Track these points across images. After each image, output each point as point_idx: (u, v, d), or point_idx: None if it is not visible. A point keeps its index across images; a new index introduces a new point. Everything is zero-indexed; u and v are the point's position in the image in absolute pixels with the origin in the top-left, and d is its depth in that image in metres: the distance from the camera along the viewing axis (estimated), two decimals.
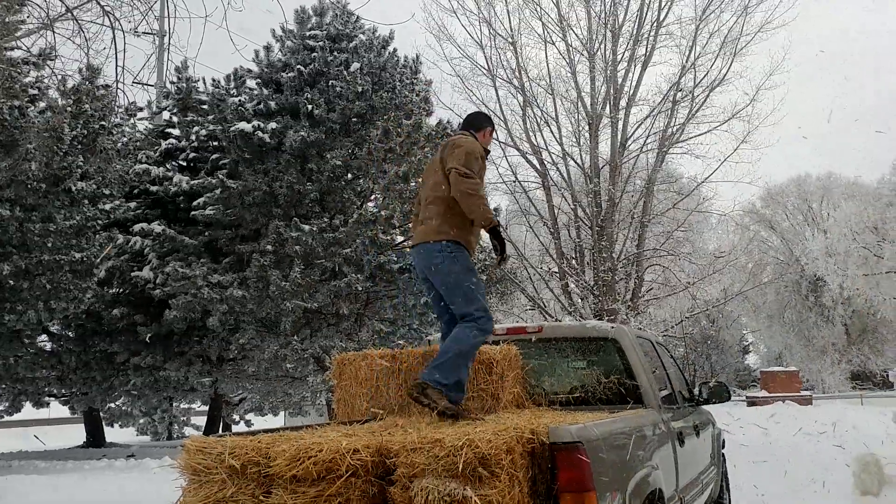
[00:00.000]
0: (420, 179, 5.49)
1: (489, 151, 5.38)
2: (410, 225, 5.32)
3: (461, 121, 5.69)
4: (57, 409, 21.97)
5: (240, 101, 15.24)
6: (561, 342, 5.63)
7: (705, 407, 7.05)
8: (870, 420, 18.55)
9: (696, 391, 6.78)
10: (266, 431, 4.17)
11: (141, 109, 17.03)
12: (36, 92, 13.93)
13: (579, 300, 22.81)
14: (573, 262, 23.38)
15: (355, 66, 15.09)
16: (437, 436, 3.33)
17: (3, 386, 15.95)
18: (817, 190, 47.19)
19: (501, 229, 5.04)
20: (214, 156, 16.06)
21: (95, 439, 19.51)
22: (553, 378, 5.56)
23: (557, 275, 23.43)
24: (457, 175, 4.77)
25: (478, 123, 5.44)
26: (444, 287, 4.99)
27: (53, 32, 8.65)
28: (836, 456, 10.57)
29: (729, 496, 8.03)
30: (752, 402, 27.58)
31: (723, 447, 7.86)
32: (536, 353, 5.63)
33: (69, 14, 8.04)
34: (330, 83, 14.86)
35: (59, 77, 13.37)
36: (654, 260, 24.13)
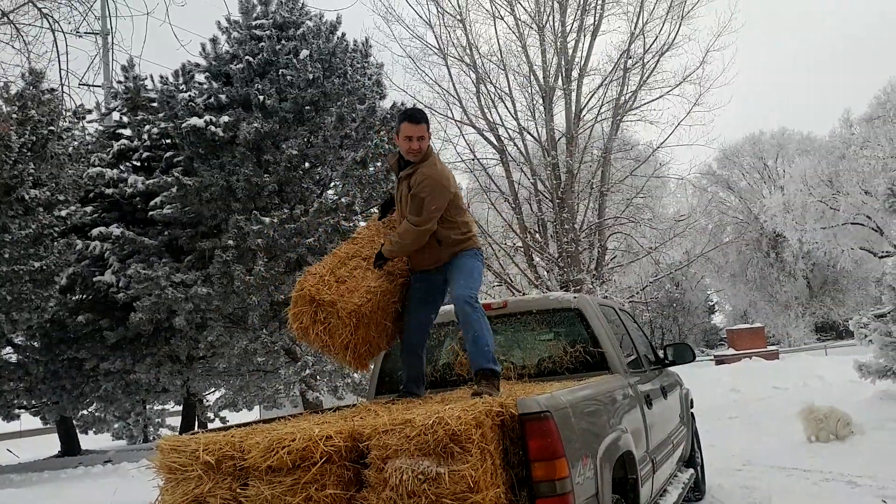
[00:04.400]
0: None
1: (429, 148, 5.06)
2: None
3: (414, 103, 5.62)
4: (28, 421, 21.67)
5: (190, 96, 15.05)
6: (526, 316, 5.70)
7: (672, 368, 7.19)
8: (834, 370, 19.02)
9: (661, 354, 6.91)
10: (239, 426, 4.19)
11: (90, 111, 16.75)
12: None
13: (545, 273, 22.99)
14: (536, 235, 23.53)
15: (304, 53, 14.95)
16: (408, 416, 3.38)
17: None
18: (772, 147, 47.86)
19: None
20: (168, 154, 15.86)
21: (70, 448, 19.28)
22: (521, 351, 5.64)
23: (522, 249, 23.57)
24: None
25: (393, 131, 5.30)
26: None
27: None
28: (802, 407, 10.83)
29: (700, 454, 8.20)
30: (720, 361, 28.14)
31: (691, 407, 8.02)
32: (503, 328, 5.70)
33: (5, 18, 7.88)
34: (280, 72, 14.72)
35: (1, 83, 13.10)
36: (615, 228, 24.37)
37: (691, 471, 7.28)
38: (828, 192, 36.70)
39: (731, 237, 44.33)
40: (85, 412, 18.50)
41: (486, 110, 23.14)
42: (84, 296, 15.38)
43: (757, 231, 44.72)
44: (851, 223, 36.59)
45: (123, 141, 16.90)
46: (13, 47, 8.43)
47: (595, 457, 3.94)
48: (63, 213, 13.97)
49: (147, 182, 15.33)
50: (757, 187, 47.54)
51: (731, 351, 29.39)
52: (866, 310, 15.52)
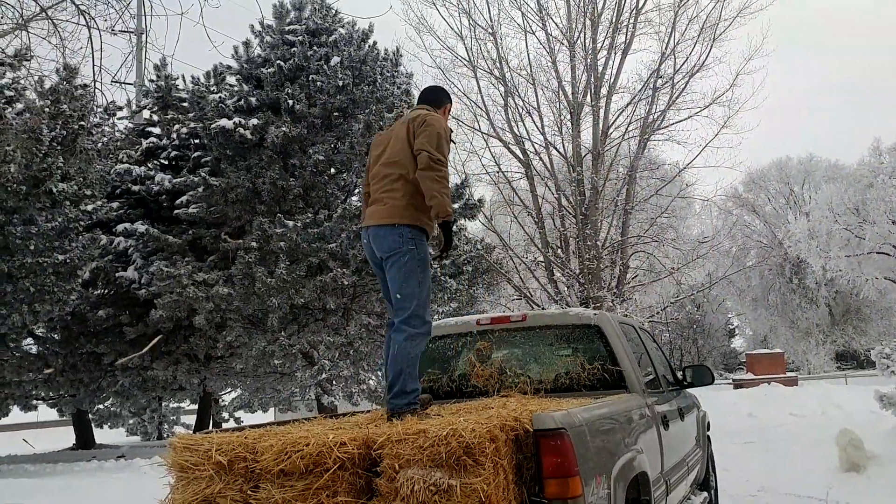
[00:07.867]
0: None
1: (451, 131, 4.82)
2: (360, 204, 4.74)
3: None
4: (45, 412, 21.86)
5: (220, 97, 15.18)
6: (545, 330, 5.66)
7: (690, 390, 7.11)
8: (853, 399, 18.76)
9: (679, 375, 6.84)
10: (253, 427, 4.19)
11: (120, 108, 16.92)
12: (13, 93, 13.81)
13: (565, 289, 22.89)
14: (558, 251, 23.44)
15: (335, 60, 15.05)
16: (422, 426, 3.36)
17: None
18: (798, 173, 47.46)
19: (454, 225, 4.66)
20: (196, 153, 16.00)
21: (85, 441, 19.42)
22: (538, 366, 5.59)
23: (543, 264, 23.50)
24: (429, 160, 4.43)
25: (437, 99, 4.98)
26: (393, 277, 4.58)
27: (28, 33, 8.59)
28: (821, 435, 10.69)
29: (715, 477, 8.10)
30: (738, 385, 27.86)
31: (708, 429, 7.93)
32: (521, 342, 5.67)
33: (44, 14, 7.98)
34: (310, 78, 14.81)
35: (36, 78, 13.29)
36: (638, 247, 24.24)
37: (705, 494, 7.19)
38: (854, 221, 36.22)
39: (754, 261, 43.91)
40: (101, 406, 18.64)
41: (513, 124, 23.13)
42: (106, 291, 15.50)
43: (780, 256, 44.28)
44: (877, 252, 36.09)
45: (152, 139, 17.06)
46: (49, 42, 8.53)
47: (609, 476, 3.90)
48: (89, 207, 14.11)
49: (174, 181, 15.47)
50: (782, 212, 47.13)
51: (750, 375, 29.07)
52: (889, 340, 15.31)
